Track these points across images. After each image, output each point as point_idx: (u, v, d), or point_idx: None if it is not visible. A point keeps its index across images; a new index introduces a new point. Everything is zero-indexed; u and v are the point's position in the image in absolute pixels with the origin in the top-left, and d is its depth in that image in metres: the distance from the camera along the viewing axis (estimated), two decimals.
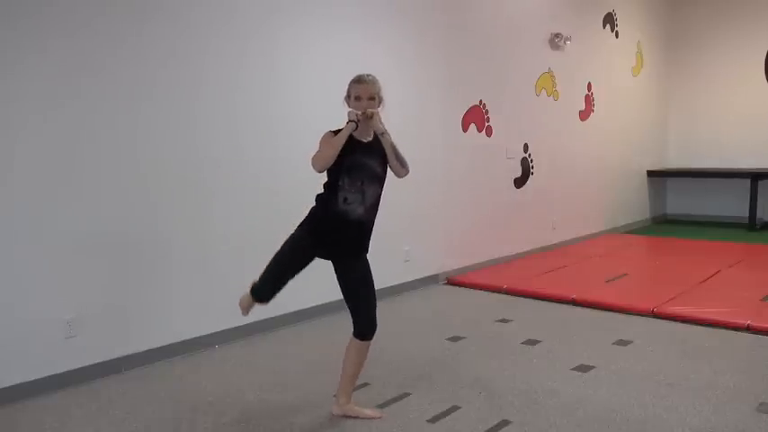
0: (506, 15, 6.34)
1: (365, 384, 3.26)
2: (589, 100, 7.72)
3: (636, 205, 8.96)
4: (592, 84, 7.72)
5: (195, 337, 3.91)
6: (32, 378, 3.25)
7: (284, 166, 4.27)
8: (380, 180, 2.84)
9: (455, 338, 4.10)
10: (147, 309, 3.71)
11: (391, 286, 5.13)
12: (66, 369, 3.37)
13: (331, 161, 2.68)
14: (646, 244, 7.75)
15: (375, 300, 2.89)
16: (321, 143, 2.74)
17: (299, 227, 2.87)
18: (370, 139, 2.82)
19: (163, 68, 3.69)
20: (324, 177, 2.81)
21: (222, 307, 3.86)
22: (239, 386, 3.35)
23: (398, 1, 5.18)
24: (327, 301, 4.42)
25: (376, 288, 2.90)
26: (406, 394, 3.20)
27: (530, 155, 6.77)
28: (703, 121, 9.36)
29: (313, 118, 3.95)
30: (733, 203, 8.89)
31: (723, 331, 4.12)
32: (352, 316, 2.88)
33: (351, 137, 2.72)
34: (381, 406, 3.06)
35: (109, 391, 3.32)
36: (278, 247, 2.87)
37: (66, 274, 3.36)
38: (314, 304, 4.51)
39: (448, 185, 5.73)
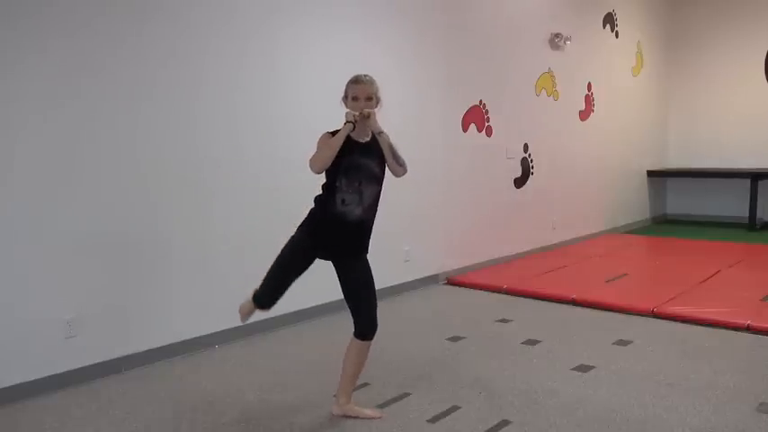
0: (506, 15, 6.34)
1: (365, 384, 3.26)
2: (589, 100, 7.72)
3: (636, 205, 8.95)
4: (592, 84, 7.72)
5: (195, 337, 3.91)
6: (32, 378, 3.25)
7: (284, 166, 4.27)
8: (379, 180, 2.84)
9: (455, 338, 4.10)
10: (147, 309, 3.71)
11: (391, 286, 5.13)
12: (66, 369, 3.37)
13: (329, 162, 2.68)
14: (646, 244, 7.75)
15: (375, 300, 2.89)
16: (319, 144, 2.74)
17: (298, 229, 2.87)
18: (368, 139, 2.82)
19: (163, 68, 3.69)
20: (322, 178, 2.81)
21: (222, 307, 3.86)
22: (239, 386, 3.35)
23: (398, 1, 5.18)
24: (327, 301, 4.42)
25: (376, 288, 2.90)
26: (406, 394, 3.20)
27: (530, 155, 6.77)
28: (703, 121, 9.36)
29: (313, 118, 3.95)
30: (733, 203, 8.89)
31: (723, 331, 4.12)
32: (353, 316, 2.88)
33: (348, 137, 2.72)
34: (381, 406, 3.06)
35: (109, 391, 3.32)
36: (278, 247, 2.88)
37: (65, 274, 3.36)
38: (314, 304, 4.51)
39: (448, 185, 5.73)
